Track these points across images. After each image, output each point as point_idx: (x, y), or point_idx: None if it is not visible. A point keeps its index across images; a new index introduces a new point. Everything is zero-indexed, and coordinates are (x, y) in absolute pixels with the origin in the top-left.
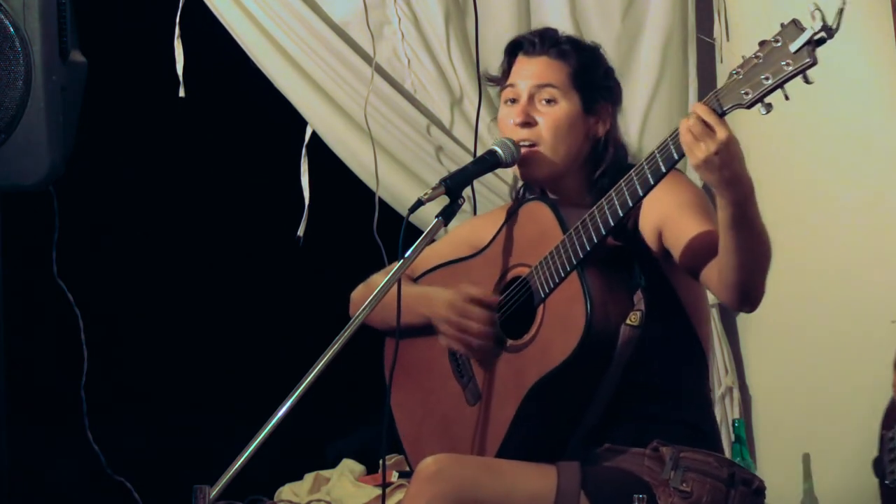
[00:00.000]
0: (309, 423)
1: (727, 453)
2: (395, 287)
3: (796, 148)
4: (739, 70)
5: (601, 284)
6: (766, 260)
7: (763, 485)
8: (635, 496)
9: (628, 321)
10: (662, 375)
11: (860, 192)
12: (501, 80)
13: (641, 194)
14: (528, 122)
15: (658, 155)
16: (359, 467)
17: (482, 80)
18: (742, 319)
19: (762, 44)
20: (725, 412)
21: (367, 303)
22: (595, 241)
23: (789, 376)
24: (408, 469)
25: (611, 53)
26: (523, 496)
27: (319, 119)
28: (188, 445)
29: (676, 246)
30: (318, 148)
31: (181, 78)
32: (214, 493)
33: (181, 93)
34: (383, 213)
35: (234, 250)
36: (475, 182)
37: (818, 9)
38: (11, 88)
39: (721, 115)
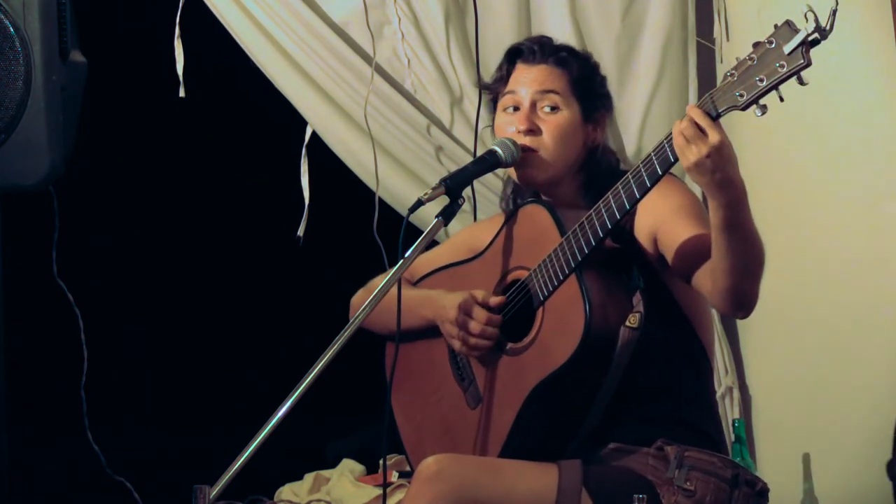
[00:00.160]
0: (309, 422)
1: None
2: (395, 289)
3: (796, 148)
4: (734, 72)
5: (600, 286)
6: (758, 264)
7: (766, 487)
8: (635, 496)
9: (627, 323)
10: (663, 377)
11: (860, 191)
12: (499, 87)
13: (639, 196)
14: (532, 130)
15: (654, 157)
16: (359, 467)
17: (480, 86)
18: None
19: (756, 45)
20: (725, 412)
21: (367, 302)
22: (593, 243)
23: (789, 376)
24: (408, 469)
25: (611, 53)
26: (524, 495)
27: (319, 119)
28: (188, 445)
29: (670, 250)
30: (318, 148)
31: (181, 78)
32: (214, 493)
33: (181, 93)
34: (383, 213)
35: (234, 250)
36: (475, 182)
37: (811, 10)
38: (11, 88)
39: (716, 116)
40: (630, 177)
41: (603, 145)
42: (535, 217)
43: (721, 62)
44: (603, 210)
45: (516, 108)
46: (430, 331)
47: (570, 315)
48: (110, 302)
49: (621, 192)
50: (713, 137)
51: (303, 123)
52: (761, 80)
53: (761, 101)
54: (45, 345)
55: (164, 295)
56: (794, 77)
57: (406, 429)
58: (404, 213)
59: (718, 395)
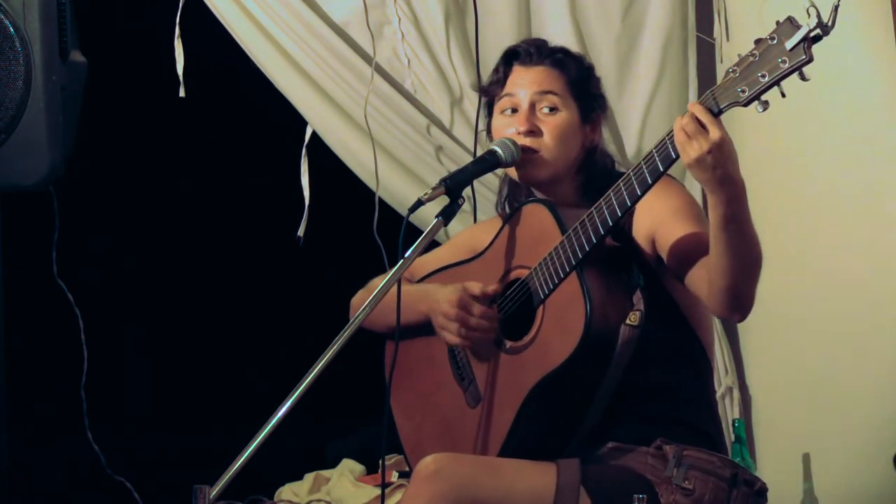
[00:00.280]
0: (309, 422)
1: (728, 454)
2: (395, 288)
3: (796, 147)
4: (736, 68)
5: (600, 285)
6: (756, 266)
7: (765, 486)
8: (635, 496)
9: (628, 321)
10: (662, 377)
11: (861, 191)
12: (496, 89)
13: (640, 193)
14: (533, 131)
15: (656, 154)
16: (359, 467)
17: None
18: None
19: (758, 42)
20: (725, 412)
21: (367, 302)
22: (594, 241)
23: (789, 376)
24: (408, 469)
25: (611, 53)
26: (523, 494)
27: (319, 119)
28: (188, 445)
29: (667, 252)
30: (318, 148)
31: (181, 78)
32: (214, 493)
33: (181, 93)
34: (383, 213)
35: (234, 250)
36: (475, 182)
37: (813, 5)
38: (11, 88)
39: (718, 112)
40: (631, 174)
41: (600, 147)
42: (536, 216)
43: (721, 61)
44: (604, 207)
45: (514, 110)
46: (430, 330)
47: (571, 313)
48: (110, 302)
49: (622, 189)
50: (714, 134)
51: (303, 123)
52: (763, 76)
53: (763, 97)
54: (45, 345)
55: (164, 295)
56: (796, 73)
57: (405, 428)
58: (404, 213)
59: (718, 395)
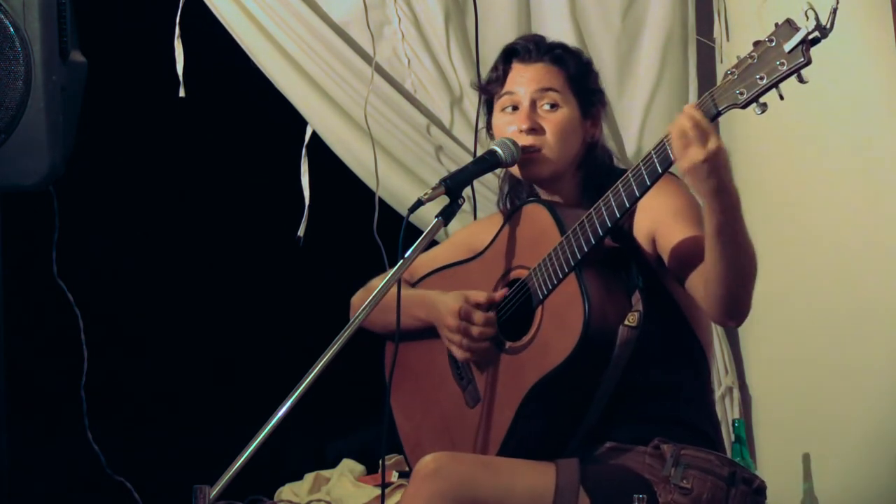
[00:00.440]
0: (309, 423)
1: (728, 454)
2: (394, 289)
3: (796, 148)
4: (734, 70)
5: (599, 285)
6: (750, 274)
7: (763, 484)
8: (635, 496)
9: (626, 322)
10: (661, 376)
11: (860, 191)
12: (496, 87)
13: (638, 195)
14: (535, 129)
15: (654, 155)
16: (359, 467)
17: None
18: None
19: (756, 44)
20: (725, 412)
21: (367, 302)
22: (593, 242)
23: (789, 376)
24: (407, 469)
25: (611, 53)
26: (522, 493)
27: (319, 119)
28: (188, 445)
29: (667, 253)
30: (318, 148)
31: (181, 78)
32: (214, 493)
33: (181, 93)
34: (383, 213)
35: (234, 250)
36: (475, 182)
37: (812, 8)
38: (11, 88)
39: (717, 114)
40: (630, 175)
41: (600, 142)
42: (536, 216)
43: (721, 62)
44: (603, 209)
45: (515, 108)
46: (430, 331)
47: (570, 313)
48: (110, 302)
49: (621, 190)
50: (711, 143)
51: (303, 123)
52: (761, 79)
53: (761, 100)
54: (45, 345)
55: (164, 295)
56: (795, 75)
57: (405, 428)
58: (404, 213)
59: (718, 395)
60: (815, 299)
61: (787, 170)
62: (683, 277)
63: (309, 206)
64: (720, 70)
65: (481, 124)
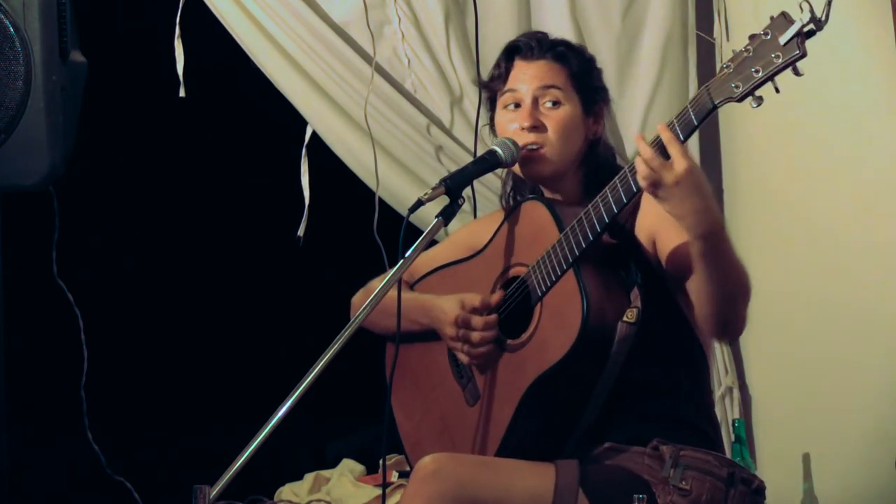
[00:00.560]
0: (309, 423)
1: (727, 454)
2: (394, 289)
3: (797, 148)
4: (730, 63)
5: (597, 282)
6: (740, 297)
7: (763, 485)
8: (635, 496)
9: (625, 318)
10: (660, 374)
11: (860, 190)
12: (498, 84)
13: (635, 190)
14: (537, 126)
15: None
16: (359, 467)
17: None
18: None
19: (752, 37)
20: (725, 412)
21: (366, 303)
22: (591, 238)
23: (789, 376)
24: (408, 469)
25: (611, 53)
26: (522, 494)
27: (319, 119)
28: (188, 445)
29: (666, 257)
30: (318, 148)
31: (181, 78)
32: (214, 493)
33: (181, 93)
34: (383, 213)
35: (234, 250)
36: (475, 182)
37: (807, 0)
38: (11, 88)
39: (713, 108)
40: (627, 171)
41: (602, 139)
42: (534, 214)
43: (721, 61)
44: (601, 205)
45: (517, 105)
46: (430, 331)
47: (568, 310)
48: (110, 302)
49: (619, 186)
50: (679, 166)
51: (303, 123)
52: (757, 72)
53: (757, 93)
54: (45, 345)
55: (164, 295)
56: (790, 68)
57: (405, 427)
58: (404, 213)
59: (718, 395)
60: (815, 299)
61: (787, 170)
62: (681, 285)
63: (309, 206)
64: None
65: (483, 122)
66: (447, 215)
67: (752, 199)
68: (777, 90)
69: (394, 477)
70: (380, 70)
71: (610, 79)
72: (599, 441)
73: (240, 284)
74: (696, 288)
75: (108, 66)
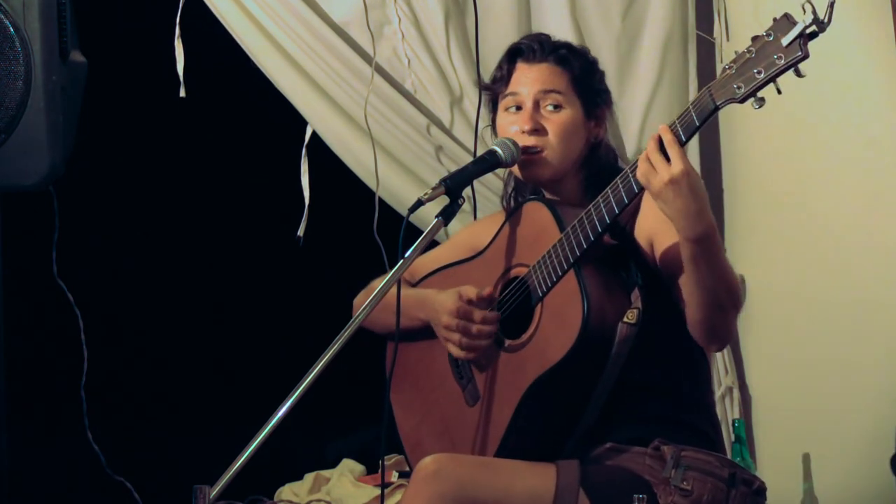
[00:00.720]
0: (309, 422)
1: (728, 455)
2: (394, 288)
3: (797, 148)
4: (732, 64)
5: (598, 282)
6: (729, 306)
7: (764, 486)
8: (635, 496)
9: (625, 319)
10: (660, 375)
11: (861, 191)
12: (500, 87)
13: (636, 190)
14: (537, 129)
15: None
16: (359, 467)
17: (480, 87)
18: (742, 319)
19: (755, 38)
20: (725, 412)
21: (367, 303)
22: (592, 238)
23: (789, 376)
24: (408, 469)
25: (611, 53)
26: (522, 494)
27: (319, 119)
28: (188, 445)
29: (661, 261)
30: (318, 148)
31: (181, 78)
32: (214, 493)
33: (181, 93)
34: (383, 213)
35: (234, 250)
36: (475, 182)
37: (809, 2)
38: (11, 88)
39: (715, 109)
40: (629, 171)
41: (604, 142)
42: (536, 214)
43: (721, 61)
44: (602, 205)
45: (518, 108)
46: (430, 330)
47: (569, 310)
48: (110, 302)
49: (620, 186)
50: (676, 167)
51: (303, 123)
52: (759, 73)
53: (759, 94)
54: (45, 345)
55: (164, 295)
56: (792, 69)
57: (405, 428)
58: (404, 213)
59: (718, 395)
60: (815, 299)
61: (787, 169)
62: (676, 289)
63: (309, 206)
64: (720, 69)
65: (482, 124)
66: (447, 215)
67: (752, 199)
68: (779, 91)
69: (394, 477)
70: (380, 70)
71: (610, 79)
72: (600, 442)
73: (240, 284)
74: (687, 292)
75: (108, 66)
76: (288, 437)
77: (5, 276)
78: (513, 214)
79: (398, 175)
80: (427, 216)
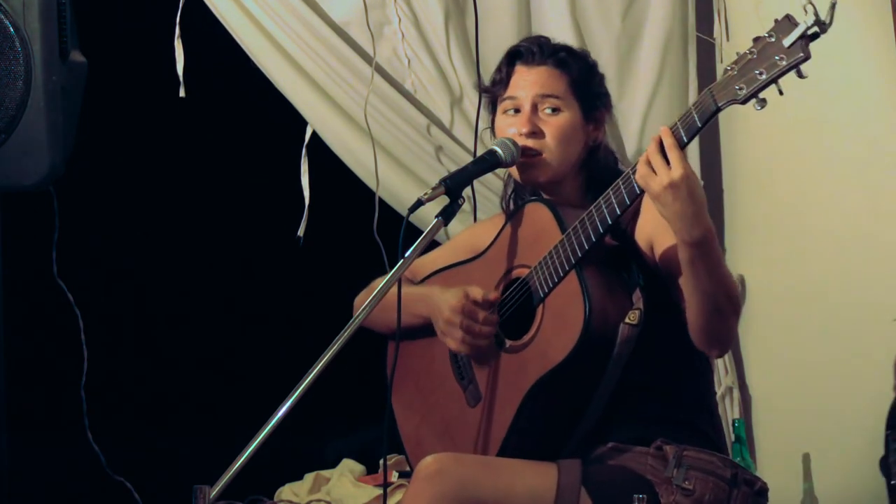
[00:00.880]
0: (309, 422)
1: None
2: (395, 288)
3: (796, 148)
4: (734, 66)
5: (600, 283)
6: (730, 308)
7: (765, 486)
8: (635, 496)
9: (627, 320)
10: (662, 376)
11: (861, 191)
12: (499, 89)
13: (638, 192)
14: (535, 133)
15: None
16: (359, 467)
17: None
18: (742, 319)
19: (756, 39)
20: (725, 412)
21: (367, 302)
22: (593, 239)
23: (789, 376)
24: (408, 469)
25: (611, 53)
26: (524, 494)
27: (319, 119)
28: (188, 445)
29: (661, 264)
30: (318, 148)
31: (181, 78)
32: (214, 493)
33: (181, 93)
34: (383, 213)
35: (234, 250)
36: (475, 182)
37: (811, 3)
38: (11, 88)
39: (717, 110)
40: (630, 172)
41: (603, 145)
42: (537, 215)
43: (721, 61)
44: (604, 206)
45: (517, 111)
46: (431, 330)
47: (570, 311)
48: (110, 302)
49: (622, 187)
50: (676, 171)
51: (303, 123)
52: (761, 74)
53: (761, 95)
54: (45, 345)
55: (164, 295)
56: (794, 70)
57: (406, 428)
58: (404, 213)
59: (718, 395)
60: (815, 299)
61: (787, 170)
62: (676, 291)
63: (309, 206)
64: (720, 70)
65: (482, 125)
66: (447, 215)
67: (752, 199)
68: (781, 92)
69: (394, 477)
70: (380, 70)
71: (610, 79)
72: (602, 442)
73: (240, 284)
74: (686, 295)
75: (108, 66)
76: (288, 437)
77: (5, 276)
78: (514, 215)
79: (398, 175)
80: (427, 216)
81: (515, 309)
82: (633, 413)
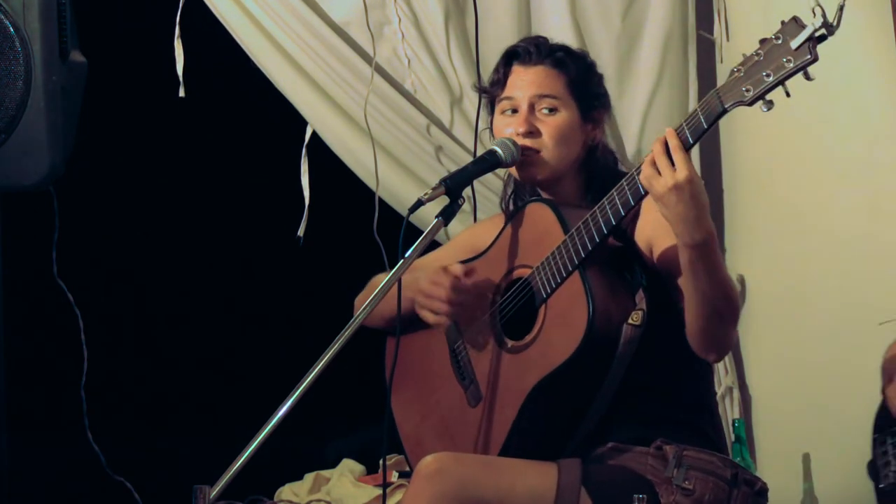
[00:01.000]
0: (309, 422)
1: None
2: (395, 286)
3: (796, 148)
4: (740, 67)
5: (603, 284)
6: (727, 315)
7: (766, 486)
8: (635, 496)
9: (630, 320)
10: (662, 376)
11: (860, 191)
12: (497, 90)
13: (642, 192)
14: (532, 132)
15: None
16: (359, 467)
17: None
18: (742, 319)
19: (763, 41)
20: (725, 412)
21: (367, 302)
22: (597, 240)
23: (789, 376)
24: (408, 469)
25: (611, 53)
26: (524, 493)
27: (319, 119)
28: (188, 445)
29: (660, 265)
30: (318, 148)
31: (181, 78)
32: (214, 493)
33: (181, 93)
34: (383, 213)
35: (234, 250)
36: (475, 182)
37: (819, 5)
38: (11, 88)
39: (723, 112)
40: (635, 172)
41: (602, 144)
42: (539, 215)
43: (721, 61)
44: (607, 207)
45: (514, 111)
46: (431, 328)
47: (573, 312)
48: (110, 302)
49: (626, 188)
50: (680, 173)
51: (303, 123)
52: (768, 76)
53: (767, 97)
54: (45, 345)
55: (165, 295)
56: (801, 72)
57: (406, 428)
58: (404, 213)
59: (718, 395)
60: (816, 299)
61: (787, 170)
62: (677, 293)
63: (309, 206)
64: (720, 70)
65: (482, 125)
66: (447, 215)
67: (752, 199)
68: (787, 94)
69: (394, 477)
70: (380, 70)
71: (610, 79)
72: (603, 441)
73: (240, 284)
74: (686, 301)
75: (108, 66)
76: (288, 437)
77: (5, 276)
78: (515, 215)
79: (398, 175)
80: (427, 216)
81: (517, 309)
82: (634, 413)
